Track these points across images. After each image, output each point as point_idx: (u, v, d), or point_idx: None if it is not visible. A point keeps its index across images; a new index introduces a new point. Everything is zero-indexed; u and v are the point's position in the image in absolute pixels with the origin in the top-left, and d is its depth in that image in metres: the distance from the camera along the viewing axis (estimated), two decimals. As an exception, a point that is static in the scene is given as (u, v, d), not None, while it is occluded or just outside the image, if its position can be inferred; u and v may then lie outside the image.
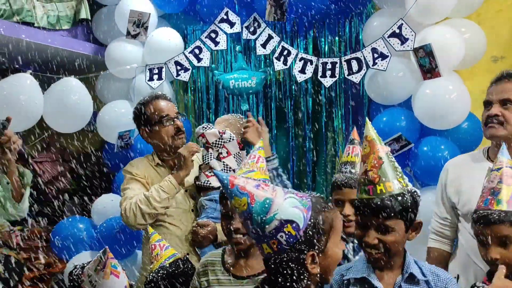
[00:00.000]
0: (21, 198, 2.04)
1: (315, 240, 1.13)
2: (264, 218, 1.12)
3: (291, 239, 1.12)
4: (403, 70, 2.54)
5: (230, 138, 2.16)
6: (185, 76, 2.91)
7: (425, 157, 2.40)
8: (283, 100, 3.16)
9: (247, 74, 2.95)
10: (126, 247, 2.71)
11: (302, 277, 1.13)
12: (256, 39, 2.84)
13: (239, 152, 2.18)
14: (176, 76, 2.91)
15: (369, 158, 1.48)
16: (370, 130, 1.51)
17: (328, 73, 2.70)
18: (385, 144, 2.50)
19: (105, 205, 2.84)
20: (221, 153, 2.16)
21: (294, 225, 1.12)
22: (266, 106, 3.20)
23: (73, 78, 2.67)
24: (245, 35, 2.87)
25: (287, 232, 1.12)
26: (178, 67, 2.90)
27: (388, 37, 2.54)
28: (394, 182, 1.43)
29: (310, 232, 1.13)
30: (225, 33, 2.87)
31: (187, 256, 1.80)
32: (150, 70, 2.90)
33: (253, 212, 1.13)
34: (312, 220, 1.14)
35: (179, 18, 3.10)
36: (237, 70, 2.98)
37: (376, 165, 1.47)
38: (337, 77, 2.69)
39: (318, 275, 1.15)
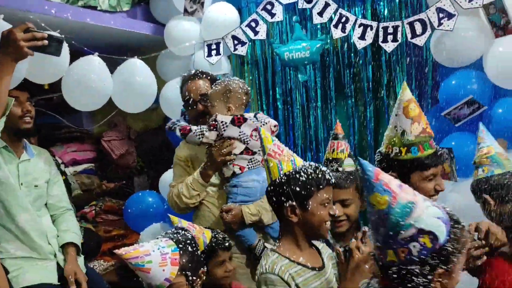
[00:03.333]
0: None
1: (449, 259, 1.04)
2: (402, 223, 1.03)
3: (424, 252, 1.03)
4: (471, 29, 2.39)
5: (224, 126, 2.04)
6: (242, 50, 2.91)
7: (501, 120, 2.28)
8: (342, 68, 3.09)
9: (302, 44, 2.91)
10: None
11: None
12: (312, 7, 2.77)
13: (241, 131, 2.06)
14: (234, 51, 2.92)
15: (421, 117, 1.69)
16: (410, 92, 1.73)
17: (390, 37, 2.59)
18: (455, 108, 2.44)
19: (171, 179, 2.95)
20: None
21: (432, 237, 1.03)
22: (324, 76, 3.15)
23: (138, 59, 2.75)
24: (301, 4, 2.80)
25: (422, 243, 1.03)
26: (236, 42, 2.90)
27: (455, -6, 2.40)
28: None
29: (448, 248, 1.04)
30: (281, 3, 2.83)
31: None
32: (208, 46, 2.93)
33: (392, 214, 1.04)
34: (451, 236, 1.05)
35: (233, -9, 3.10)
36: (294, 41, 2.95)
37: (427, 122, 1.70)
38: (399, 41, 2.59)
39: None
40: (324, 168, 1.52)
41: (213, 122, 2.06)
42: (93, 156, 3.41)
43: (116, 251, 1.50)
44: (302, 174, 1.48)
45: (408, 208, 1.04)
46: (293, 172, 1.48)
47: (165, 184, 3.01)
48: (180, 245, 1.69)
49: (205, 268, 1.76)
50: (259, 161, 2.11)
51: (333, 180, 1.54)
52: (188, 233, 1.82)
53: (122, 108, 2.84)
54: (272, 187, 1.51)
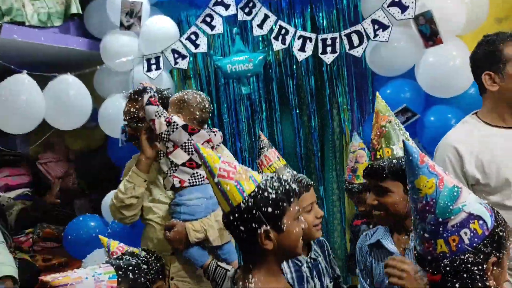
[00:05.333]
0: None
1: (501, 244, 1.01)
2: (451, 207, 0.99)
3: (476, 239, 0.99)
4: (405, 39, 2.48)
5: (174, 127, 1.97)
6: (183, 64, 2.86)
7: (433, 127, 2.36)
8: (285, 80, 3.11)
9: (244, 56, 2.90)
10: (139, 241, 2.70)
11: (480, 285, 1.00)
12: (252, 20, 2.77)
13: (189, 139, 1.98)
14: (175, 65, 2.86)
15: (374, 128, 1.62)
16: (380, 102, 1.66)
17: (329, 49, 2.64)
18: (391, 116, 2.49)
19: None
20: (168, 147, 2.01)
21: (481, 222, 0.99)
22: (268, 88, 3.16)
23: (70, 75, 2.63)
24: (241, 16, 2.80)
25: (473, 229, 0.99)
26: (176, 55, 2.84)
27: (388, 6, 2.47)
28: (393, 148, 1.54)
29: (499, 233, 1.01)
30: (221, 16, 2.80)
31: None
32: (148, 60, 2.84)
33: (440, 198, 0.99)
34: (499, 221, 1.02)
35: (171, 4, 3.04)
36: (235, 53, 2.93)
37: (378, 133, 1.59)
38: (338, 52, 2.64)
39: None
40: (285, 177, 1.29)
41: (169, 119, 2.00)
42: (29, 180, 3.20)
43: (42, 278, 1.36)
44: (270, 191, 1.23)
45: (455, 192, 1.00)
46: (259, 191, 1.23)
47: (108, 207, 2.88)
48: (120, 272, 1.58)
49: None
50: (203, 176, 2.02)
51: (309, 183, 1.50)
52: (134, 259, 1.71)
53: (55, 126, 2.69)
54: (236, 215, 1.22)
